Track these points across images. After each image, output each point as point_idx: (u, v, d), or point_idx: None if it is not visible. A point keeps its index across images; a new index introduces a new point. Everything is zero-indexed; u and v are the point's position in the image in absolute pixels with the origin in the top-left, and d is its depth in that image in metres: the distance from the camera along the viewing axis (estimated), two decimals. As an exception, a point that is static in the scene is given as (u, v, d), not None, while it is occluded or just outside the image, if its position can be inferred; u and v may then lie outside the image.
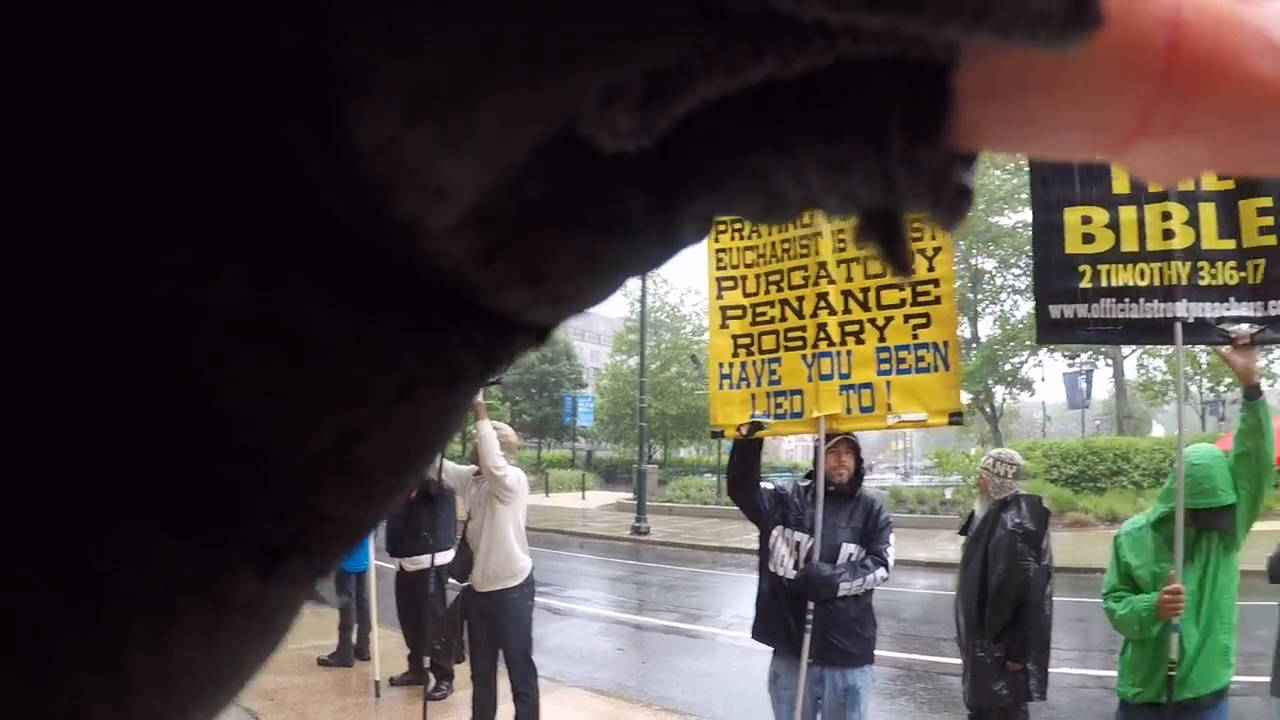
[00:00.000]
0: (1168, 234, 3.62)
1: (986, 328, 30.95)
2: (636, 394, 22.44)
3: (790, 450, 41.28)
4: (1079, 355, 31.83)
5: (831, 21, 0.14)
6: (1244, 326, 3.53)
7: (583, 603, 11.16)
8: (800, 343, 4.05)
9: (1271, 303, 3.56)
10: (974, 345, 30.19)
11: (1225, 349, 3.55)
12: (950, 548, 12.60)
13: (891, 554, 3.99)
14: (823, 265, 4.00)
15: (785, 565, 3.97)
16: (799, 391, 4.03)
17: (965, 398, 23.15)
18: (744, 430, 4.05)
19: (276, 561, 0.18)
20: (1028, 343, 26.89)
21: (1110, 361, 32.16)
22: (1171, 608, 3.45)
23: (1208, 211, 3.61)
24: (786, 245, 4.11)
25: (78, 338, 0.16)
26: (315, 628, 7.11)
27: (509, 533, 4.88)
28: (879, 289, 3.90)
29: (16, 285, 0.15)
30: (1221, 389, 27.73)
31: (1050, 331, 3.87)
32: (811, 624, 3.83)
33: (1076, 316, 3.78)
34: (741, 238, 4.21)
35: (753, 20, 0.14)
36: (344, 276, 0.16)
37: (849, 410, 3.95)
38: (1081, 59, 0.15)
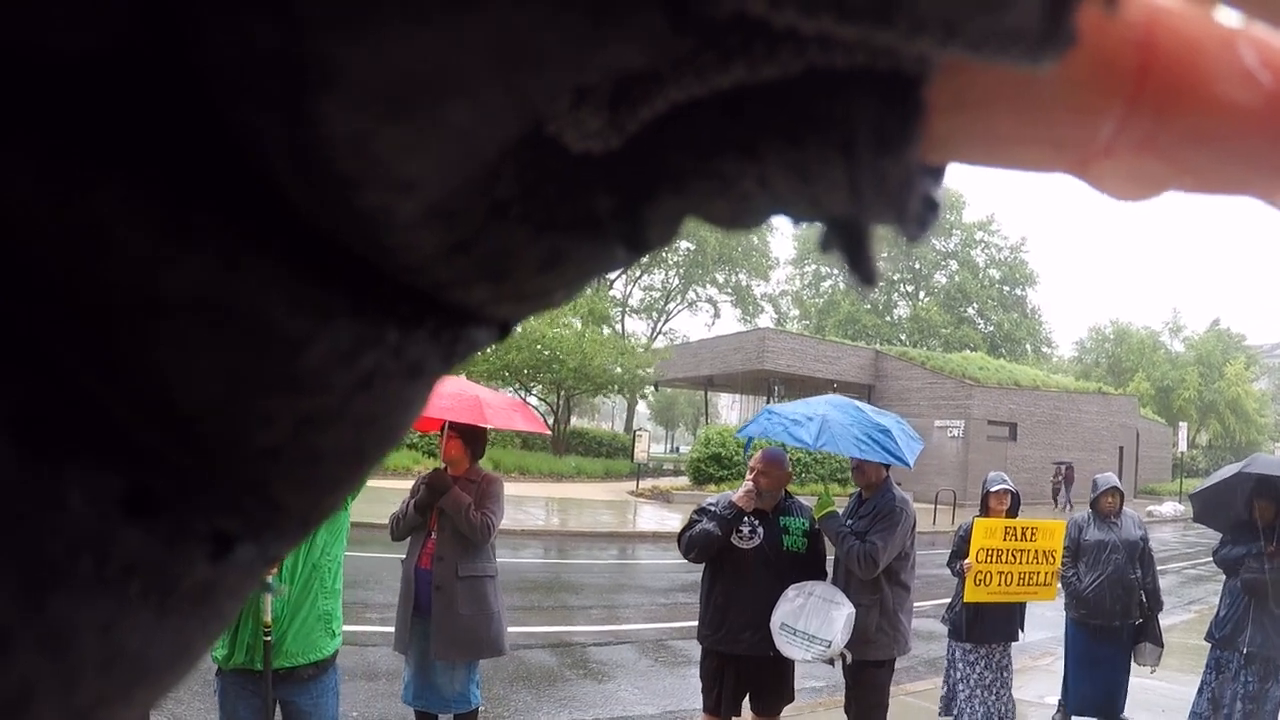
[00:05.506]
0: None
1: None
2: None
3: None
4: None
5: (803, 30, 0.14)
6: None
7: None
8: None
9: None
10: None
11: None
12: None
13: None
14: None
15: None
16: None
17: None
18: None
19: (229, 549, 0.18)
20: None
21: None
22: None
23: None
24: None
25: (38, 322, 0.15)
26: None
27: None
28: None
29: None
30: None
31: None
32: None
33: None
34: None
35: (723, 26, 0.14)
36: (309, 269, 0.16)
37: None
38: (1052, 76, 0.15)
